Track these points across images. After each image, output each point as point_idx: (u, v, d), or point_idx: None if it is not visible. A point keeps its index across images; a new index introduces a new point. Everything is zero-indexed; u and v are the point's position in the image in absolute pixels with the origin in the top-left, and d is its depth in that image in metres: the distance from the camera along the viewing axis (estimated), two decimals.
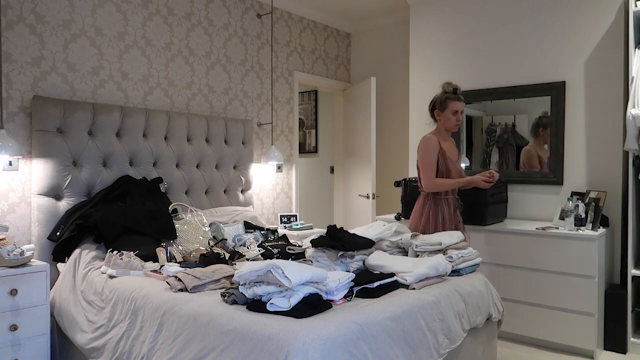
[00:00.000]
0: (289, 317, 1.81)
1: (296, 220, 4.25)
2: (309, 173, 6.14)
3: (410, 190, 3.65)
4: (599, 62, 3.45)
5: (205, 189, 3.79)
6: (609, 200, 3.37)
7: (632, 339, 3.13)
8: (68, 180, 2.97)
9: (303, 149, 6.18)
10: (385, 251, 2.72)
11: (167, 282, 2.27)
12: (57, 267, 2.87)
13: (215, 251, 2.78)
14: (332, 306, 1.96)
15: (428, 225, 2.98)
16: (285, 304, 1.85)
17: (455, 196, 3.08)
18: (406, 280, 2.27)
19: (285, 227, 4.09)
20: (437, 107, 3.03)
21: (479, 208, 3.40)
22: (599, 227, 3.22)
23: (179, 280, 2.25)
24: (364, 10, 4.94)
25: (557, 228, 3.27)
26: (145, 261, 2.67)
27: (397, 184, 3.78)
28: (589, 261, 3.05)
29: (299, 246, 3.12)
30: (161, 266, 2.60)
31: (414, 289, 2.25)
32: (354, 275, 2.19)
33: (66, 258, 2.83)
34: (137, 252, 2.69)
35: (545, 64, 3.68)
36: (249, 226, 3.45)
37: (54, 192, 2.94)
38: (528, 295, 3.28)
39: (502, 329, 2.95)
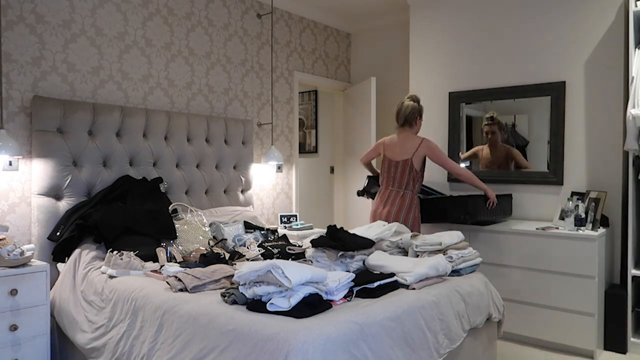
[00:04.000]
0: (289, 317, 1.81)
1: (296, 220, 4.25)
2: (309, 173, 6.14)
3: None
4: (599, 62, 3.45)
5: (205, 189, 3.79)
6: (609, 200, 3.37)
7: (632, 339, 3.13)
8: (68, 180, 2.97)
9: (303, 149, 6.18)
10: (385, 251, 2.72)
11: (167, 282, 2.27)
12: (57, 267, 2.87)
13: (215, 251, 2.78)
14: (332, 306, 1.96)
15: (415, 220, 3.35)
16: (285, 304, 1.85)
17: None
18: (406, 280, 2.27)
19: (285, 227, 4.09)
20: (417, 114, 3.41)
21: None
22: (599, 227, 3.23)
23: (179, 280, 2.25)
24: (364, 10, 4.94)
25: (557, 228, 3.27)
26: (145, 261, 2.67)
27: (361, 193, 3.74)
28: (589, 261, 3.05)
29: (299, 246, 3.12)
30: (161, 266, 2.60)
31: (414, 289, 2.25)
32: (354, 275, 2.19)
33: (66, 258, 2.83)
34: (137, 252, 2.69)
35: (545, 64, 3.68)
36: (249, 226, 3.45)
37: (54, 192, 2.94)
38: (528, 295, 3.28)
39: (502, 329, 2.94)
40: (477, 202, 3.32)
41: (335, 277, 2.08)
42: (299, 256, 2.73)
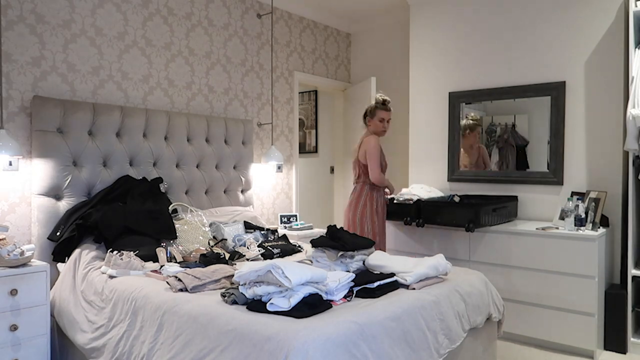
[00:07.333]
0: (289, 317, 1.81)
1: (296, 220, 4.25)
2: (309, 173, 6.14)
3: None
4: (599, 62, 3.45)
5: (205, 189, 3.79)
6: (609, 200, 3.37)
7: (632, 339, 3.13)
8: (68, 180, 2.97)
9: (303, 149, 6.18)
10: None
11: (167, 282, 2.27)
12: (57, 267, 2.87)
13: (215, 251, 2.78)
14: (332, 306, 1.96)
15: (365, 209, 3.42)
16: (285, 304, 1.85)
17: (383, 189, 3.61)
18: (406, 280, 2.27)
19: (285, 227, 4.09)
20: (368, 115, 3.55)
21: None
22: (599, 227, 3.22)
23: (179, 280, 2.25)
24: (364, 10, 4.94)
25: (557, 228, 3.27)
26: (145, 261, 2.67)
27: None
28: (589, 261, 3.05)
29: (299, 246, 3.12)
30: (161, 266, 2.60)
31: (414, 289, 2.25)
32: (354, 275, 2.19)
33: (66, 258, 2.83)
34: (137, 252, 2.69)
35: (545, 64, 3.68)
36: (249, 226, 3.45)
37: (54, 192, 2.94)
38: (528, 295, 3.27)
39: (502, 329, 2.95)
40: (482, 210, 3.32)
41: (335, 277, 2.08)
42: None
